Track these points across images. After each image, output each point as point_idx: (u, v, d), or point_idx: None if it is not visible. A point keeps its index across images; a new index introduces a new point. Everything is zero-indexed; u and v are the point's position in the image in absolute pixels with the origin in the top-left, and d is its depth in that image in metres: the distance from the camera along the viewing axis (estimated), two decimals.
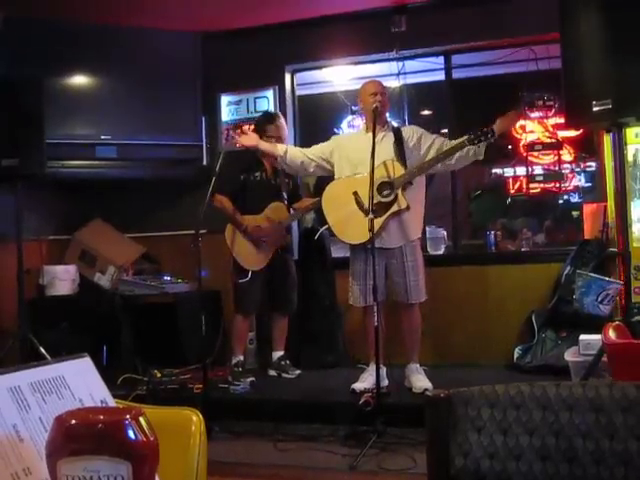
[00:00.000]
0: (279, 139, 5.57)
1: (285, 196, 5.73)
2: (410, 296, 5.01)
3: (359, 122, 7.15)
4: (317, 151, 5.23)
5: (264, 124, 5.65)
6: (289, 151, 5.25)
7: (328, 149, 5.20)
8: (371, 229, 4.45)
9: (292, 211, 5.77)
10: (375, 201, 4.62)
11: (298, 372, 5.77)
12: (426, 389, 4.88)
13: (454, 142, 4.88)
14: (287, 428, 4.77)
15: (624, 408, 1.36)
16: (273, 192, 5.68)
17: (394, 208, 4.87)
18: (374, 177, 4.64)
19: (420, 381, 5.02)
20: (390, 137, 5.05)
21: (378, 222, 4.71)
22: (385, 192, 4.83)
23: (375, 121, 4.87)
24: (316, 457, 4.33)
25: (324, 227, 5.31)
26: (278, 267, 5.67)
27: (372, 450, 4.23)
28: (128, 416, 0.92)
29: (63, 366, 1.18)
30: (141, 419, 0.93)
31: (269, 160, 5.67)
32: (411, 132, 5.10)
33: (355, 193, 4.90)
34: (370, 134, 4.83)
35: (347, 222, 4.99)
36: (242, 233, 5.55)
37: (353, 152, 5.05)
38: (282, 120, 5.79)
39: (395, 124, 5.26)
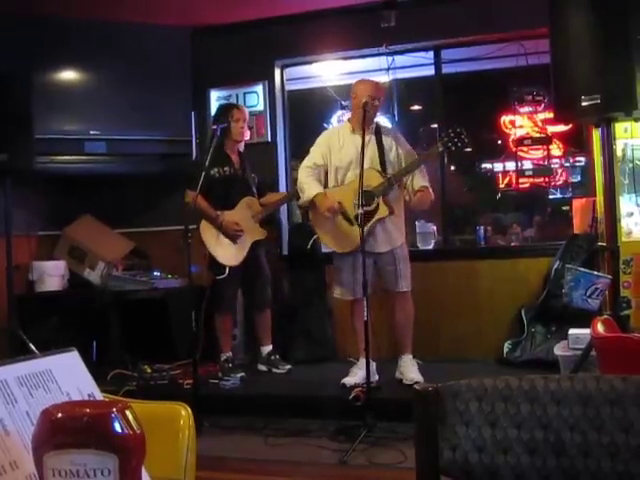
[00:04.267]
0: (244, 120, 5.71)
1: (254, 190, 5.72)
2: (401, 283, 5.05)
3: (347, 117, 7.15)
4: (314, 162, 5.18)
5: (229, 110, 5.74)
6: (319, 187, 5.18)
7: (320, 159, 5.17)
8: (361, 224, 4.50)
9: (260, 206, 5.74)
10: (359, 210, 4.69)
11: (288, 367, 5.77)
12: (416, 382, 4.89)
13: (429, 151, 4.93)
14: (277, 423, 4.77)
15: (611, 401, 1.36)
16: (243, 186, 5.68)
17: (377, 216, 4.93)
18: (356, 186, 4.67)
19: (411, 373, 5.05)
20: (374, 140, 5.07)
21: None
22: (367, 201, 4.87)
23: (364, 122, 4.84)
24: (306, 452, 4.34)
25: (314, 237, 5.40)
26: (251, 262, 5.64)
27: (362, 445, 4.24)
28: (114, 409, 0.92)
29: (50, 360, 1.17)
30: (127, 412, 0.93)
31: (235, 154, 5.69)
32: (389, 138, 5.12)
33: (339, 203, 4.94)
34: (357, 136, 4.89)
35: (335, 233, 5.07)
36: (218, 228, 5.52)
37: (342, 157, 5.06)
38: (241, 104, 6.09)
39: (375, 124, 5.22)
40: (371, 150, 5.01)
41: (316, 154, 5.19)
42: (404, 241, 5.17)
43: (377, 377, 4.97)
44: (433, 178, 6.43)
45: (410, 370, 5.08)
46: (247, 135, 5.85)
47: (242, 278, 5.65)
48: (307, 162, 5.19)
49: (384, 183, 4.89)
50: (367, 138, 4.97)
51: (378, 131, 5.12)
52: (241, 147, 5.78)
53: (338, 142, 5.13)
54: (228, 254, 5.54)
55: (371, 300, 4.93)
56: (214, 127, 5.53)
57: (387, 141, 5.09)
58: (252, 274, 5.68)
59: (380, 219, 4.94)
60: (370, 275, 4.91)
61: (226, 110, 5.76)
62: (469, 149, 7.20)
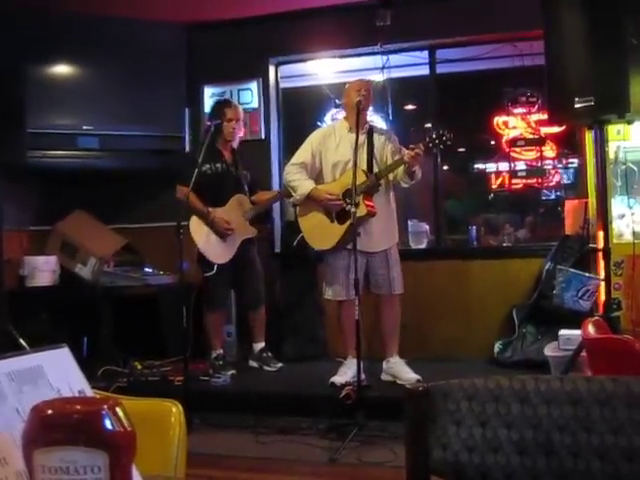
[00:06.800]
0: (237, 121, 5.66)
1: (246, 188, 5.71)
2: (394, 287, 5.06)
3: (342, 115, 7.14)
4: (302, 160, 5.17)
5: (222, 108, 5.70)
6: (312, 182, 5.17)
7: (309, 157, 5.16)
8: (353, 222, 4.55)
9: (251, 204, 5.72)
10: (341, 208, 4.84)
11: (280, 365, 5.76)
12: (418, 380, 4.86)
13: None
14: (268, 421, 4.78)
15: (601, 401, 1.36)
16: (234, 183, 5.66)
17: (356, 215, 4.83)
18: (343, 184, 4.78)
19: (408, 373, 5.04)
20: (366, 141, 5.09)
21: (342, 229, 4.85)
22: (349, 199, 4.86)
23: (358, 118, 4.86)
24: (297, 450, 4.34)
25: (299, 236, 5.37)
26: (242, 260, 5.63)
27: (352, 443, 4.25)
28: (105, 406, 0.92)
29: (41, 356, 1.17)
30: (118, 409, 0.92)
31: (228, 151, 5.67)
32: (382, 139, 5.12)
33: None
34: (353, 134, 4.87)
35: (316, 229, 5.08)
36: (209, 225, 5.51)
37: (338, 154, 5.06)
38: (236, 102, 5.98)
39: (369, 125, 5.25)
40: (363, 150, 5.02)
41: (305, 153, 5.19)
42: (397, 242, 5.21)
43: (363, 376, 4.96)
44: (427, 178, 6.47)
45: (405, 370, 5.07)
46: (241, 133, 5.82)
47: (233, 276, 5.63)
48: (295, 160, 5.20)
49: (366, 181, 4.89)
50: (361, 138, 4.99)
51: (371, 132, 5.13)
52: (235, 144, 5.75)
53: (335, 140, 5.14)
54: (217, 251, 5.53)
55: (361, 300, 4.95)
56: (208, 123, 5.52)
57: (379, 141, 5.10)
58: (243, 272, 5.67)
59: (360, 219, 4.88)
60: (361, 276, 4.92)
61: (219, 108, 5.74)
62: (462, 149, 7.23)
